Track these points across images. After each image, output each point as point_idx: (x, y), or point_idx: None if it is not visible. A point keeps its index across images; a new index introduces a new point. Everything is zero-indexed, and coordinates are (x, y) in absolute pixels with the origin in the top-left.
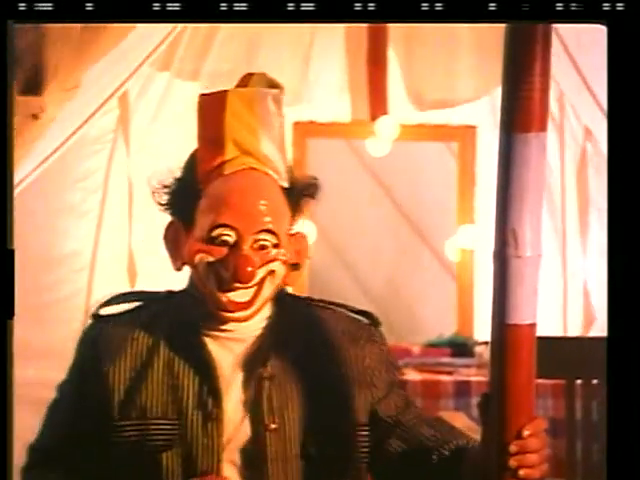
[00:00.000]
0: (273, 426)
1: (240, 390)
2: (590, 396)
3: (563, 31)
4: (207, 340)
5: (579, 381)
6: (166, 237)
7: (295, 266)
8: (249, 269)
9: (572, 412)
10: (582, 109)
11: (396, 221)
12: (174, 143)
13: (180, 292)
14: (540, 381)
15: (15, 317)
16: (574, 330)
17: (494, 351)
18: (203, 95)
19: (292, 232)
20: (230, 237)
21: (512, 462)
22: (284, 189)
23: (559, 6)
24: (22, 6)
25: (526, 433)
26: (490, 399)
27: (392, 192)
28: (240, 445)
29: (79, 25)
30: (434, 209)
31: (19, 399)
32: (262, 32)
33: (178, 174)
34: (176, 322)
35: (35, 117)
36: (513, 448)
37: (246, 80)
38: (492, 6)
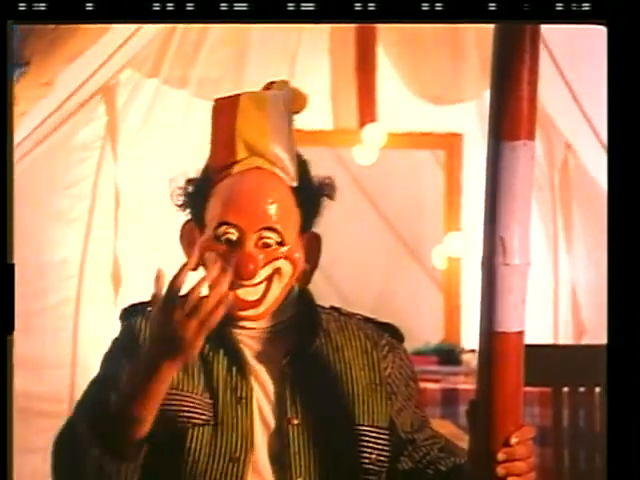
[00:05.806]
0: (296, 421)
1: (263, 382)
2: (577, 404)
3: (551, 40)
4: (233, 330)
5: (566, 389)
6: (181, 237)
7: (306, 266)
8: (251, 266)
9: (559, 420)
10: (565, 119)
11: (383, 229)
12: (162, 151)
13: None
14: (527, 389)
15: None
16: (566, 340)
17: (482, 359)
18: (218, 99)
19: (304, 232)
20: (233, 235)
21: (500, 470)
22: (293, 188)
23: (559, 6)
24: (22, 6)
25: (514, 441)
26: (478, 407)
27: (378, 200)
28: (266, 436)
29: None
30: (421, 217)
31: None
32: (250, 39)
33: (192, 176)
34: None
35: None
36: (501, 456)
37: (268, 87)
38: (492, 6)
